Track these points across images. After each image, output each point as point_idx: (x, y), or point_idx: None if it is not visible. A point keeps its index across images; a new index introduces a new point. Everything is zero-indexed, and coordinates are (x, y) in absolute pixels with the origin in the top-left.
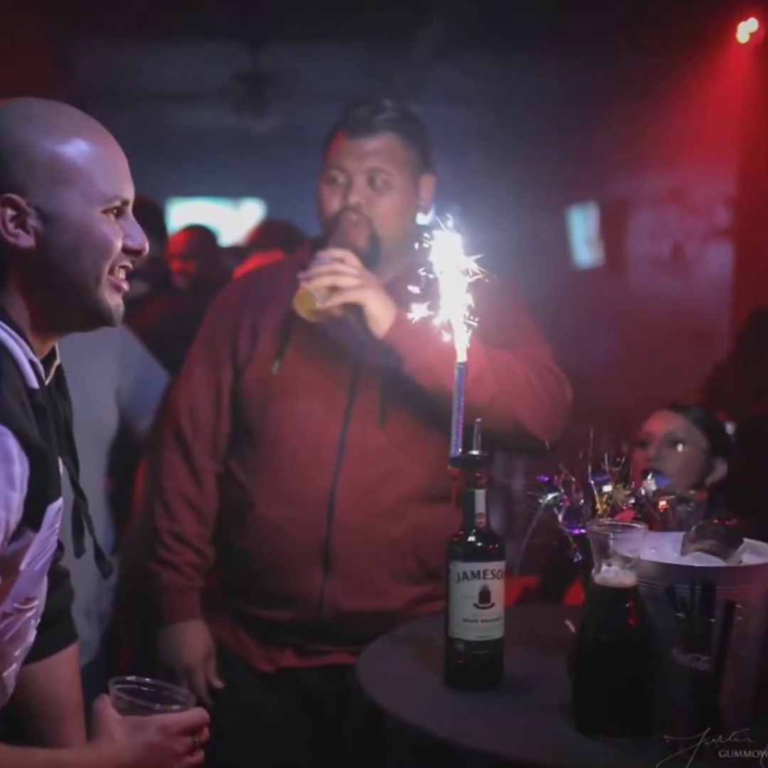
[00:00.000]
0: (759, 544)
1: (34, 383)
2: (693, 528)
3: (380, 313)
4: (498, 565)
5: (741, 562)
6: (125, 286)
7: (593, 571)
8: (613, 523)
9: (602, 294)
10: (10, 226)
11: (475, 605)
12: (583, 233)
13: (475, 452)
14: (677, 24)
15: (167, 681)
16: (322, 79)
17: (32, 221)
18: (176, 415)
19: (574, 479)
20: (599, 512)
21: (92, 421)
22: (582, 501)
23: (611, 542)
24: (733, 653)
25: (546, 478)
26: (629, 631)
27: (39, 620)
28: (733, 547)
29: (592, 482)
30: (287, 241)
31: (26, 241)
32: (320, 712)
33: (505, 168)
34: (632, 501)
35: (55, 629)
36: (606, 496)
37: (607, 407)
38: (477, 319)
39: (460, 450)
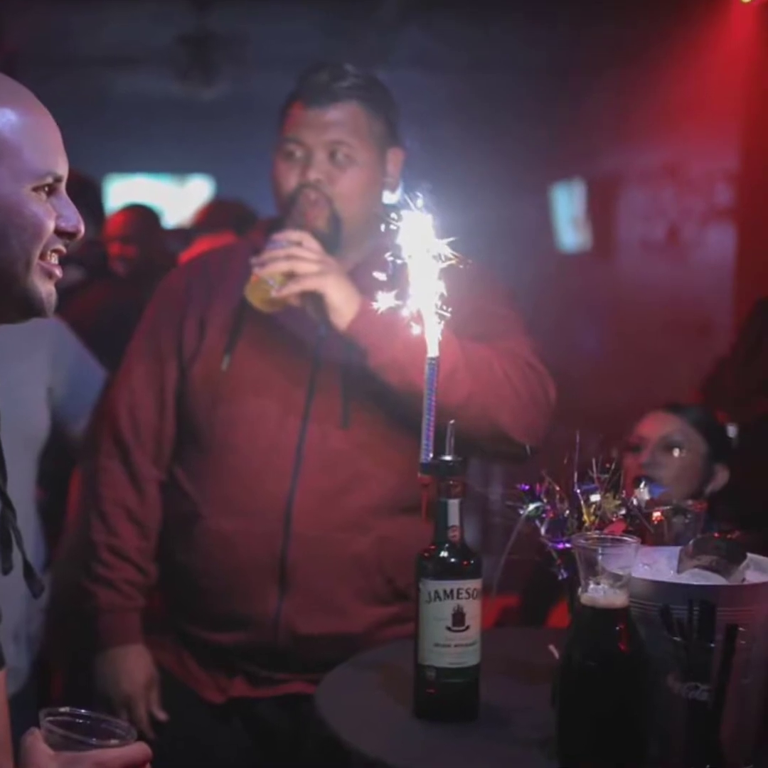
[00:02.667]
0: (764, 559)
1: None
2: (691, 542)
3: (342, 303)
4: (473, 584)
5: (744, 580)
6: (58, 272)
7: (579, 590)
8: (602, 536)
9: (590, 281)
10: None
11: (448, 628)
12: (568, 213)
13: (447, 457)
14: None
15: (105, 712)
16: (277, 41)
17: None
18: (115, 417)
19: (558, 488)
20: (586, 524)
21: (21, 424)
22: (567, 512)
23: (600, 558)
24: (735, 682)
25: (527, 487)
26: (619, 657)
27: None
28: (736, 563)
29: (578, 491)
30: (238, 223)
31: None
32: (275, 747)
33: (481, 141)
34: (623, 512)
35: None
36: (594, 506)
37: (595, 407)
38: (450, 309)
39: (431, 455)
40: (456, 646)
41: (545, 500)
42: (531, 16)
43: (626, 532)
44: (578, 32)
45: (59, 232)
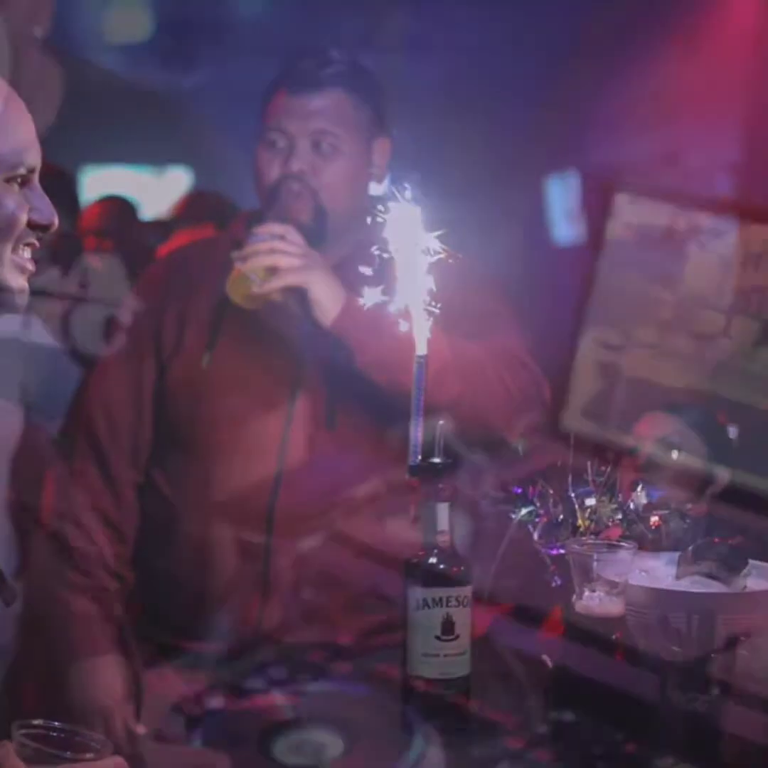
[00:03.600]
0: (766, 566)
1: None
2: (690, 548)
3: (327, 299)
4: (463, 591)
5: (745, 587)
6: (31, 266)
7: (574, 597)
8: (597, 542)
9: (585, 276)
10: None
11: (437, 637)
12: (563, 206)
13: (437, 460)
14: None
15: (80, 725)
16: (259, 25)
17: None
18: (90, 418)
19: (551, 491)
20: (581, 529)
21: None
22: (561, 516)
23: (595, 564)
24: (736, 693)
25: (519, 490)
26: (616, 667)
27: None
28: (737, 570)
29: (572, 494)
30: (219, 215)
31: None
32: (256, 760)
33: (472, 129)
34: (619, 516)
35: None
36: (589, 510)
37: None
38: (439, 306)
39: (419, 457)
40: (445, 655)
41: (538, 504)
42: None
43: (623, 537)
44: (575, 14)
45: (32, 225)
